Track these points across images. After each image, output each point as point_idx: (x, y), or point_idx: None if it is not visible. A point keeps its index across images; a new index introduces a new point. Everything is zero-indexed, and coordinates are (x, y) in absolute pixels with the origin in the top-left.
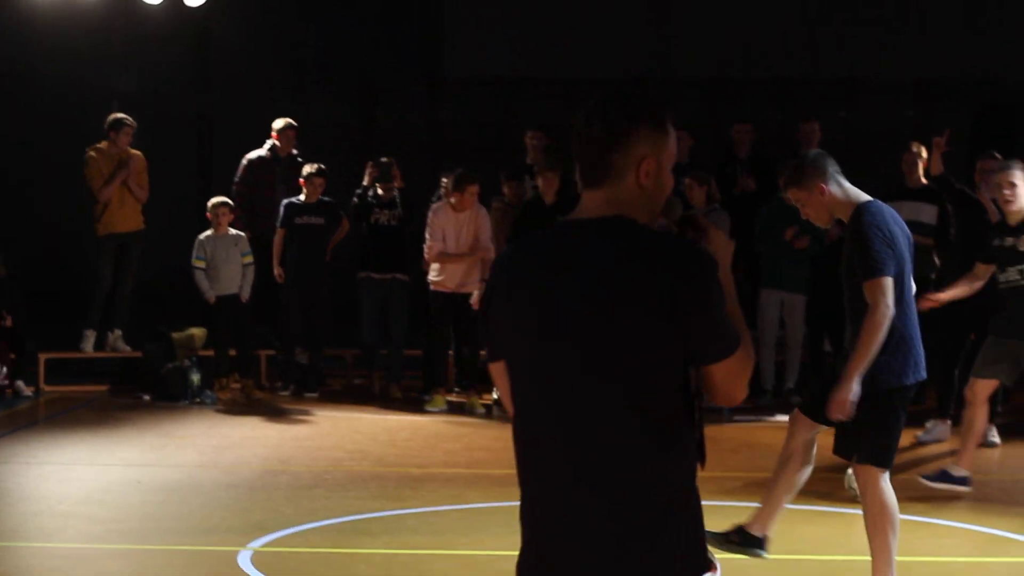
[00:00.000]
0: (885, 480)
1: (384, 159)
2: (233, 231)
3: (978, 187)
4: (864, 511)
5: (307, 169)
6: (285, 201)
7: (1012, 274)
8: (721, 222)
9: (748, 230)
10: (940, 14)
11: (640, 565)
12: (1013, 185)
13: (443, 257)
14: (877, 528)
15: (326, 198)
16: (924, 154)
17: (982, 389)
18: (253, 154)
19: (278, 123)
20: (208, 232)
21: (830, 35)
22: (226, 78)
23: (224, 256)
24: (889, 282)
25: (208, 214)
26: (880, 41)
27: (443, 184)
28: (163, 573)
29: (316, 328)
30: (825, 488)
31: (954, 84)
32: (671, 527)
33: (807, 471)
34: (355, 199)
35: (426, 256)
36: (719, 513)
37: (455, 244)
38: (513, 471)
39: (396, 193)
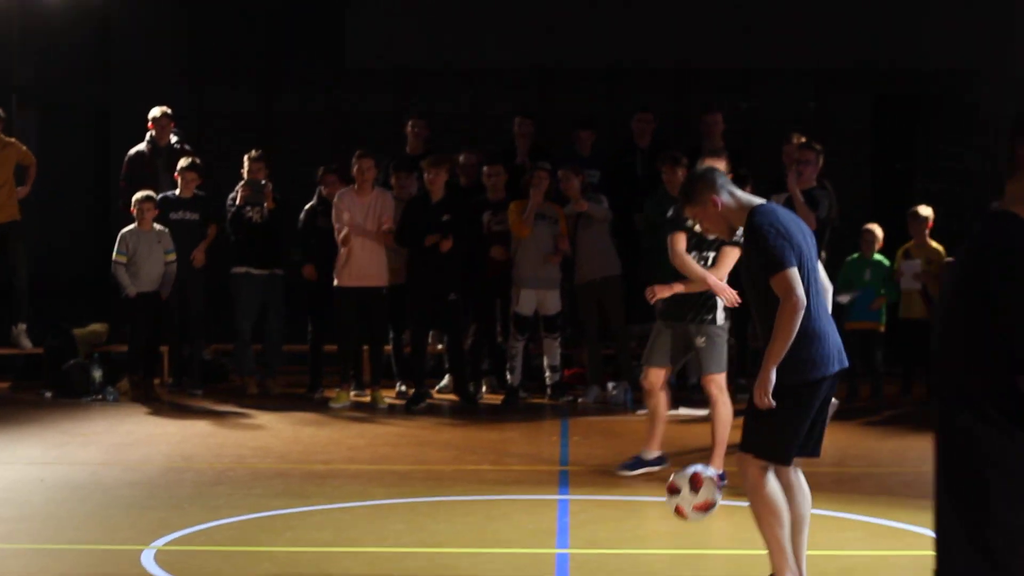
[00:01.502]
0: (768, 474)
1: (261, 181)
2: (158, 227)
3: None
4: (750, 504)
5: (181, 163)
6: (159, 196)
7: (692, 257)
8: (597, 206)
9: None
10: (841, 3)
11: None
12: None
13: (354, 234)
14: (761, 522)
15: (201, 193)
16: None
17: (657, 377)
18: (133, 149)
19: (154, 112)
20: (131, 227)
21: (731, 24)
22: (125, 69)
23: (146, 252)
24: (795, 272)
25: (132, 209)
26: (781, 31)
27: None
28: (67, 572)
29: (192, 324)
30: (730, 482)
31: (855, 74)
32: None
33: (800, 500)
34: (230, 201)
35: (338, 239)
36: (617, 507)
37: (357, 234)
38: (416, 466)
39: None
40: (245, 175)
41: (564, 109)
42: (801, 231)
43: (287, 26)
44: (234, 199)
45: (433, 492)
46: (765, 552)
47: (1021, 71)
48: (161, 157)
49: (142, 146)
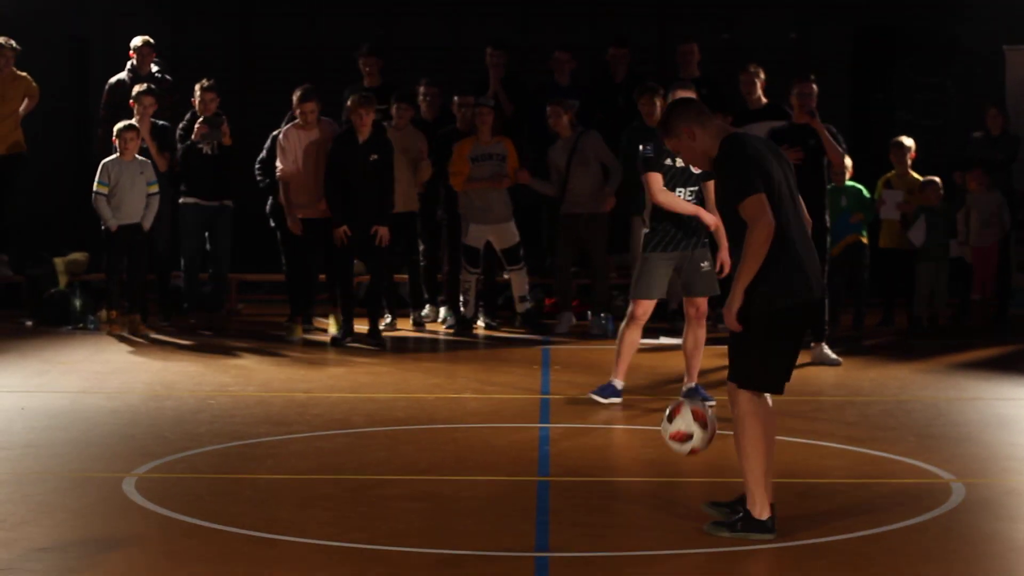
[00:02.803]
0: (755, 402)
1: (217, 114)
2: (140, 158)
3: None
4: (735, 434)
5: (136, 89)
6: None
7: (681, 193)
8: (593, 141)
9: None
10: None
11: None
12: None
13: (288, 175)
14: (744, 454)
15: (160, 122)
16: (762, 75)
17: (644, 309)
18: (114, 78)
19: (135, 41)
20: (113, 157)
21: None
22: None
23: (129, 183)
24: (762, 197)
25: (114, 139)
26: None
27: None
28: (48, 500)
29: (160, 255)
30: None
31: (835, 5)
32: None
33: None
34: (181, 129)
35: (278, 175)
36: (598, 435)
37: (303, 164)
38: (397, 395)
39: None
40: (196, 104)
41: (545, 41)
42: (777, 158)
43: None
44: (185, 130)
45: (414, 420)
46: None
47: (998, 1)
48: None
49: (123, 75)
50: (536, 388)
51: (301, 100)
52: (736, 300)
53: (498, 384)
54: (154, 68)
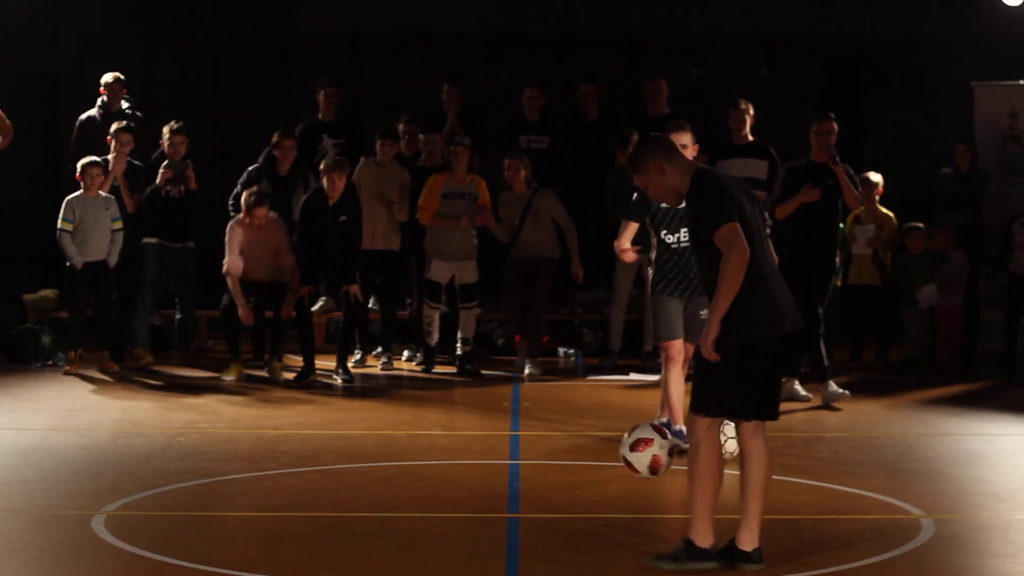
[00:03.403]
0: (712, 431)
1: (184, 158)
2: (103, 194)
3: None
4: (688, 462)
5: (115, 125)
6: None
7: (684, 236)
8: (547, 200)
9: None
10: None
11: None
12: (683, 147)
13: (235, 269)
14: (692, 478)
15: (135, 162)
16: (751, 111)
17: (674, 348)
18: (84, 114)
19: (106, 77)
20: (78, 193)
21: None
22: (74, 35)
23: (94, 220)
24: (736, 226)
25: (78, 175)
26: None
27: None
28: (16, 537)
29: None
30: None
31: (806, 41)
32: None
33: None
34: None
35: (224, 270)
36: (568, 472)
37: (254, 261)
38: (366, 431)
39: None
40: (165, 147)
41: (515, 77)
42: (746, 193)
43: None
44: (150, 169)
45: (384, 457)
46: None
47: (967, 37)
48: (112, 123)
49: (93, 111)
50: (506, 424)
51: (254, 204)
52: (713, 330)
53: (468, 420)
54: (124, 105)
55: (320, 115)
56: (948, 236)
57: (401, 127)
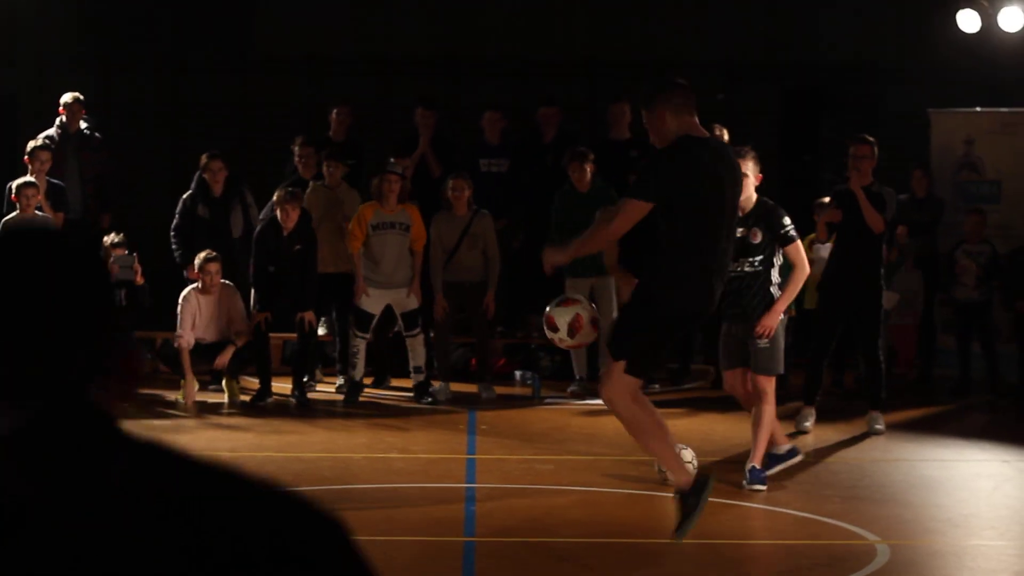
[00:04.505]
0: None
1: (131, 256)
2: (41, 214)
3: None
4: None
5: (30, 144)
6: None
7: (741, 264)
8: (487, 224)
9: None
10: None
11: None
12: (744, 176)
13: (190, 345)
14: (639, 437)
15: (54, 180)
16: (726, 136)
17: (734, 379)
18: (42, 135)
19: (66, 98)
20: (13, 215)
21: (639, 16)
22: (33, 55)
23: None
24: (635, 204)
25: (13, 196)
26: (689, 23)
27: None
28: None
29: None
30: (639, 472)
31: (763, 67)
32: None
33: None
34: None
35: (175, 344)
36: (525, 495)
37: (207, 330)
38: (323, 454)
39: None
40: (109, 244)
41: (475, 99)
42: (730, 177)
43: (194, 12)
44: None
45: (341, 480)
46: (671, 541)
47: (923, 64)
48: (71, 143)
49: (52, 131)
50: (463, 448)
51: (206, 260)
52: (560, 255)
53: (424, 443)
54: (83, 125)
55: (331, 134)
56: (905, 249)
57: (296, 149)
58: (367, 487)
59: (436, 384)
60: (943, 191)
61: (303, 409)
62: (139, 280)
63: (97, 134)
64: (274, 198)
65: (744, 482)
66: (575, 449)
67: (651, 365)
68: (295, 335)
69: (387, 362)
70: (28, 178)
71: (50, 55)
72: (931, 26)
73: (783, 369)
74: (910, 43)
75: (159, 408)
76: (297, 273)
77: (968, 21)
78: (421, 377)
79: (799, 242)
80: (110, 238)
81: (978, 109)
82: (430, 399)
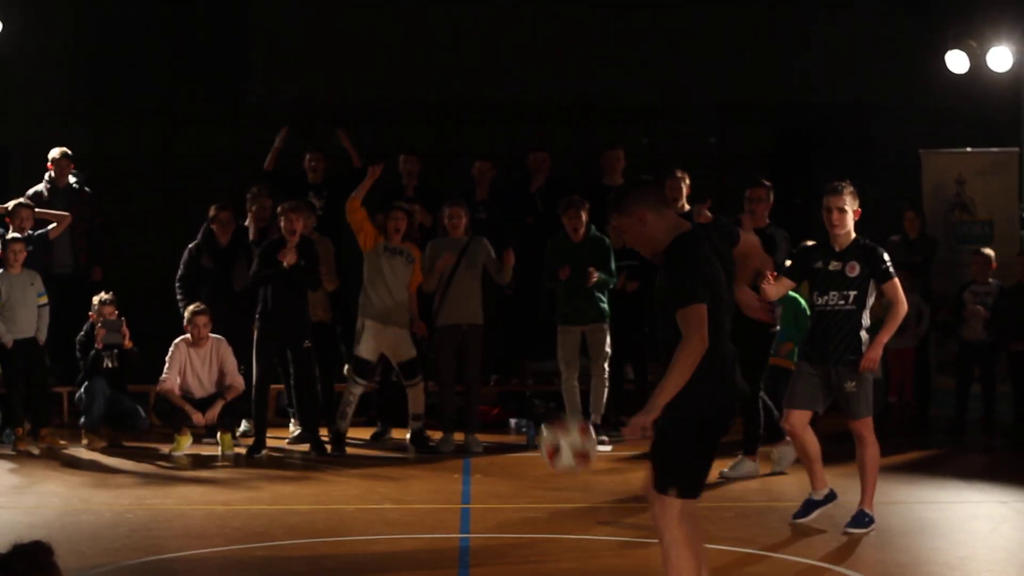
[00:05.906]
0: (679, 507)
1: (120, 320)
2: (27, 270)
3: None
4: (663, 545)
5: (11, 203)
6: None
7: (832, 298)
8: (483, 246)
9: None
10: (743, 39)
11: None
12: (842, 211)
13: (173, 388)
14: (671, 566)
15: (36, 232)
16: (687, 180)
17: (799, 420)
18: (31, 190)
19: (54, 153)
20: (0, 271)
21: (631, 60)
22: (23, 107)
23: (20, 297)
24: (703, 309)
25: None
26: (681, 66)
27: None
28: None
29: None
30: (634, 520)
31: (755, 109)
32: None
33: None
34: (82, 334)
35: (157, 388)
36: (520, 545)
37: (197, 383)
38: (316, 506)
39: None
40: (93, 316)
41: (464, 146)
42: (721, 260)
43: (184, 63)
44: (87, 334)
45: (334, 532)
46: None
47: (914, 104)
48: (59, 198)
49: (40, 186)
50: (457, 497)
51: (195, 312)
52: (654, 412)
53: (418, 494)
54: (72, 179)
55: (309, 179)
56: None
57: (250, 203)
58: (361, 539)
59: (438, 436)
60: (936, 231)
61: (296, 461)
62: (127, 344)
63: (87, 188)
64: (278, 210)
65: (846, 525)
66: (570, 497)
67: (701, 482)
68: (292, 372)
69: (390, 410)
70: (14, 233)
71: (41, 108)
72: (921, 67)
73: (872, 410)
74: (901, 84)
75: (154, 461)
76: (294, 289)
77: (957, 62)
78: (419, 424)
79: (896, 280)
80: (100, 296)
81: (968, 149)
82: (432, 451)
